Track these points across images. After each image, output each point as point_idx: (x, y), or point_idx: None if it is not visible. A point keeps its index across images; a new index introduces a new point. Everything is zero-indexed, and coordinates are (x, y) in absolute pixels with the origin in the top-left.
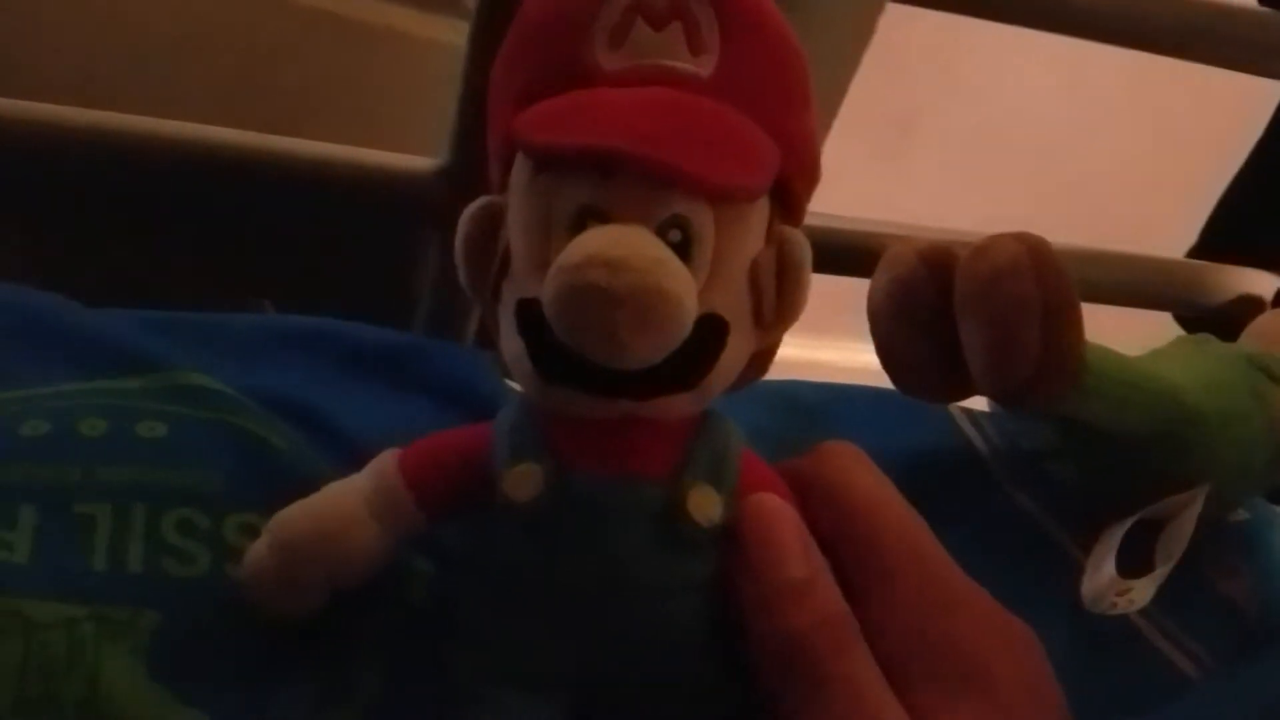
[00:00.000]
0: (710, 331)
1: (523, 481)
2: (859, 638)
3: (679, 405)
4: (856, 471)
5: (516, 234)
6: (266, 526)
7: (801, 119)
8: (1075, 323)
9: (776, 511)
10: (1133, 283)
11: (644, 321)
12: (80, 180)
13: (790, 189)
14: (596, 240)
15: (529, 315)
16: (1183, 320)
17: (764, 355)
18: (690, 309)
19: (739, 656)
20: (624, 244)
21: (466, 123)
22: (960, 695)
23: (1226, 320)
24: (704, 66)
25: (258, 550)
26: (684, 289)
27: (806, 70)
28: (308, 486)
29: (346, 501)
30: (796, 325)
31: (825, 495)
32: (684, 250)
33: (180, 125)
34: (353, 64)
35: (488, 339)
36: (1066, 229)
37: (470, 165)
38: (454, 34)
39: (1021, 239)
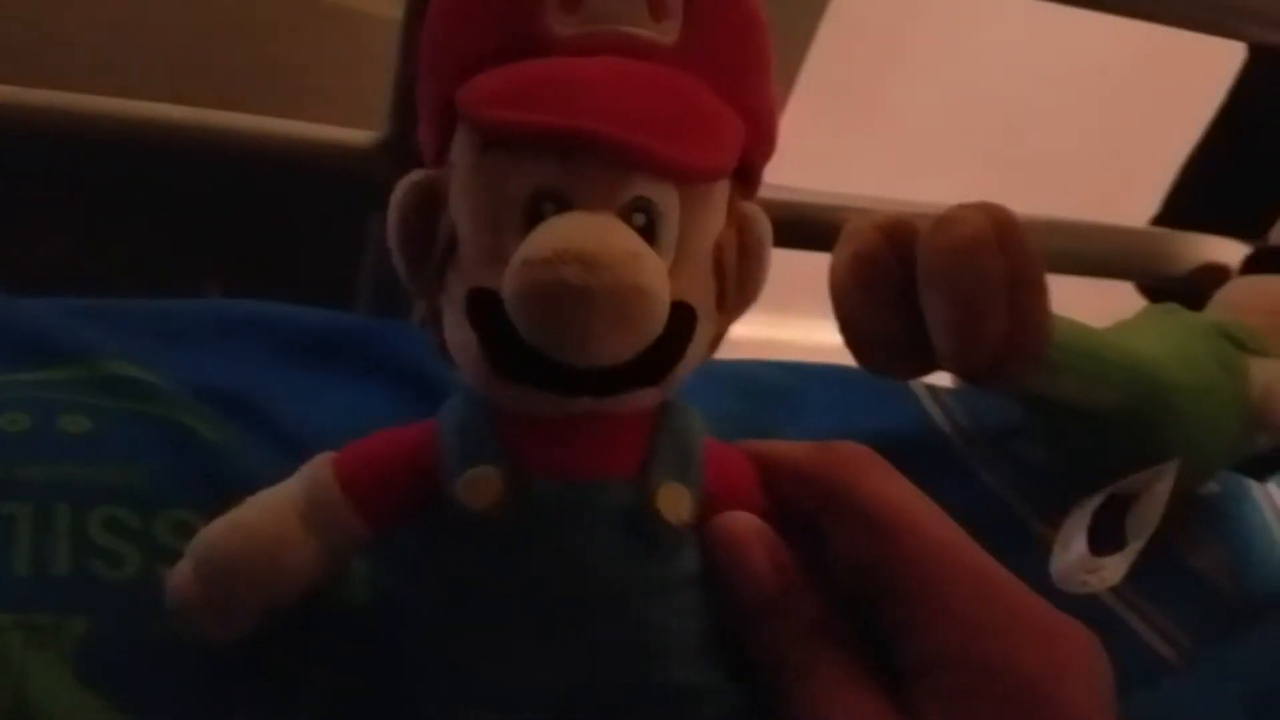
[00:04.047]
0: (679, 322)
1: (479, 487)
2: (837, 645)
3: (641, 398)
4: (883, 483)
5: (463, 218)
6: (189, 547)
7: (764, 89)
8: (1042, 297)
9: (744, 532)
10: (1097, 253)
11: (620, 321)
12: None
13: (751, 163)
14: (564, 232)
15: (482, 307)
16: (1146, 290)
17: (717, 337)
18: (665, 304)
19: (739, 654)
20: (596, 236)
21: (406, 95)
22: None
23: (1192, 289)
24: (666, 34)
25: (182, 575)
26: (660, 284)
27: (769, 38)
28: (242, 481)
29: (277, 515)
30: (758, 303)
31: (848, 511)
32: (648, 234)
33: (110, 101)
34: (293, 40)
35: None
36: (1028, 201)
37: (411, 138)
38: (390, 7)
39: (985, 210)
